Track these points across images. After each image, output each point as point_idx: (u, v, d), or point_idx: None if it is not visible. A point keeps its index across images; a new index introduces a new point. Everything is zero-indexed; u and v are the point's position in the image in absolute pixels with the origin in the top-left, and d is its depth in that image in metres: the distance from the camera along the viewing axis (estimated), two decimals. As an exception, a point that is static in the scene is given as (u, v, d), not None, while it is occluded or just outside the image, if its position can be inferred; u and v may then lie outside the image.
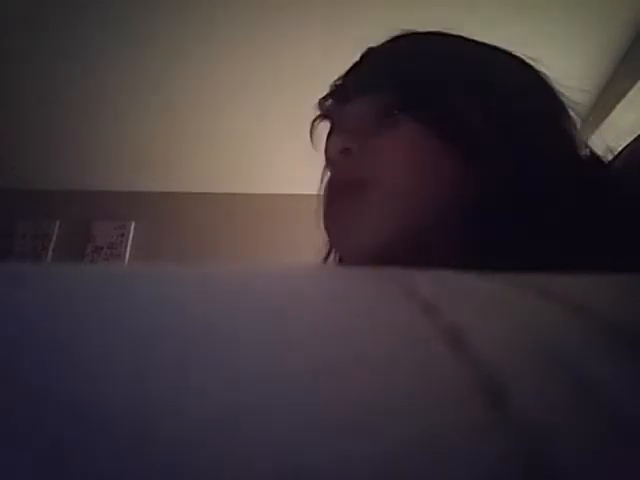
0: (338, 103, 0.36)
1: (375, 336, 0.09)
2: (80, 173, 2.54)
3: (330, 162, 0.32)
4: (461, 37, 0.35)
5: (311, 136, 0.39)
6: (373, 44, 0.36)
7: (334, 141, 0.31)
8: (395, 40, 0.35)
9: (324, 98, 0.37)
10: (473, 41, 0.35)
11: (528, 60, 0.35)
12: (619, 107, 1.60)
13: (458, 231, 0.28)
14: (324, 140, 0.37)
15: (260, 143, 2.21)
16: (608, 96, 1.68)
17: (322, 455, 0.06)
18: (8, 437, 0.06)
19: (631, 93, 1.55)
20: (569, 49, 1.57)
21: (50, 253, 2.56)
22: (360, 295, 0.10)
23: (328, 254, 0.40)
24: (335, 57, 1.72)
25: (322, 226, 0.34)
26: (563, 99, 0.34)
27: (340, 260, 0.35)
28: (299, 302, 0.10)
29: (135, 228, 2.61)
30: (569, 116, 0.33)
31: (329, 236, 0.34)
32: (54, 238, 2.60)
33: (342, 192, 0.31)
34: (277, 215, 2.50)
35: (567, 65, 1.66)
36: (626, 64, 1.60)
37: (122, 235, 2.58)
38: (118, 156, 2.38)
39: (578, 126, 0.33)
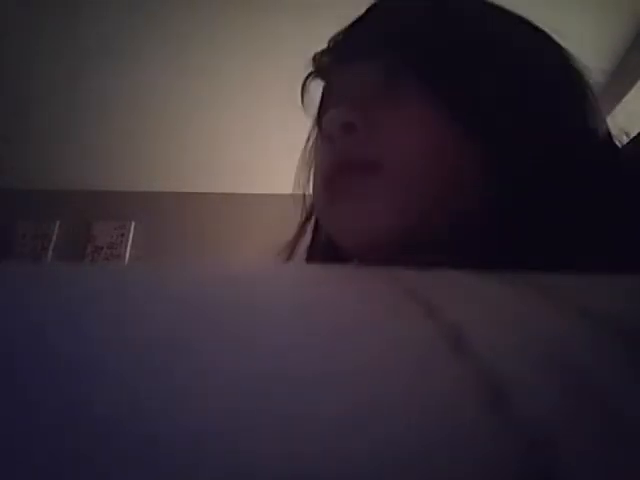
0: (338, 62, 0.31)
1: (376, 336, 0.09)
2: (80, 173, 2.54)
3: (330, 138, 0.28)
4: None
5: (302, 95, 0.35)
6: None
7: (334, 114, 0.27)
8: None
9: (321, 54, 0.33)
10: (487, 4, 0.31)
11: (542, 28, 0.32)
12: (619, 107, 1.60)
13: (476, 224, 0.26)
14: (316, 102, 0.34)
15: (261, 143, 2.21)
16: (608, 96, 1.68)
17: (322, 457, 0.06)
18: (7, 450, 0.06)
19: (631, 93, 1.55)
20: (569, 49, 1.56)
21: (50, 253, 2.56)
22: (362, 296, 0.10)
23: (313, 243, 0.37)
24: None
25: (318, 209, 0.31)
26: (582, 71, 0.31)
27: (338, 248, 0.31)
28: (300, 303, 0.10)
29: (135, 228, 2.61)
30: (592, 92, 0.30)
31: (329, 221, 0.30)
32: (54, 238, 2.60)
33: (346, 173, 0.27)
34: (278, 215, 2.49)
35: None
36: (626, 64, 1.60)
37: (122, 235, 2.58)
38: (118, 156, 2.38)
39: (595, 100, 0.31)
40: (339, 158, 0.27)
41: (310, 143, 0.37)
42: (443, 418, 0.07)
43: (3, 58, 1.73)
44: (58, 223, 2.63)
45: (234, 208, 2.63)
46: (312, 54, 0.34)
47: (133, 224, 2.61)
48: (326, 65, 0.33)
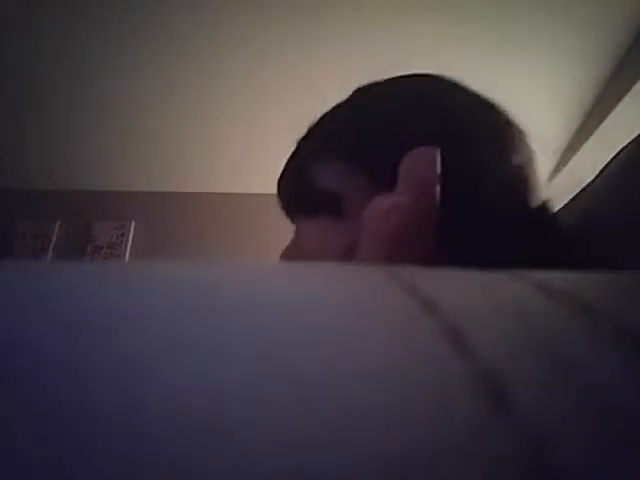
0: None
1: (375, 335, 0.09)
2: (80, 173, 2.54)
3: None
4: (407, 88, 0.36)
5: None
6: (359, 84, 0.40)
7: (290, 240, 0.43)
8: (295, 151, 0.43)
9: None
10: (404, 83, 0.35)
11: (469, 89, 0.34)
12: (619, 107, 1.60)
13: None
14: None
15: (260, 143, 2.21)
16: (608, 96, 1.69)
17: (322, 455, 0.06)
18: (7, 452, 0.06)
19: (631, 93, 1.55)
20: (569, 49, 1.57)
21: (50, 253, 2.57)
22: (360, 293, 0.10)
23: None
24: (333, 58, 1.72)
25: None
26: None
27: None
28: (299, 300, 0.10)
29: (135, 228, 2.61)
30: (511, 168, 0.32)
31: None
32: (54, 238, 2.60)
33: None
34: (277, 215, 2.49)
35: (567, 65, 1.66)
36: (626, 64, 1.60)
37: (122, 235, 2.58)
38: (118, 156, 2.38)
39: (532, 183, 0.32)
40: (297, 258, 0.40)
41: None
42: (443, 417, 0.07)
43: (3, 58, 1.73)
44: (58, 223, 2.63)
45: (234, 208, 2.63)
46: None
47: (133, 224, 2.61)
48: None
